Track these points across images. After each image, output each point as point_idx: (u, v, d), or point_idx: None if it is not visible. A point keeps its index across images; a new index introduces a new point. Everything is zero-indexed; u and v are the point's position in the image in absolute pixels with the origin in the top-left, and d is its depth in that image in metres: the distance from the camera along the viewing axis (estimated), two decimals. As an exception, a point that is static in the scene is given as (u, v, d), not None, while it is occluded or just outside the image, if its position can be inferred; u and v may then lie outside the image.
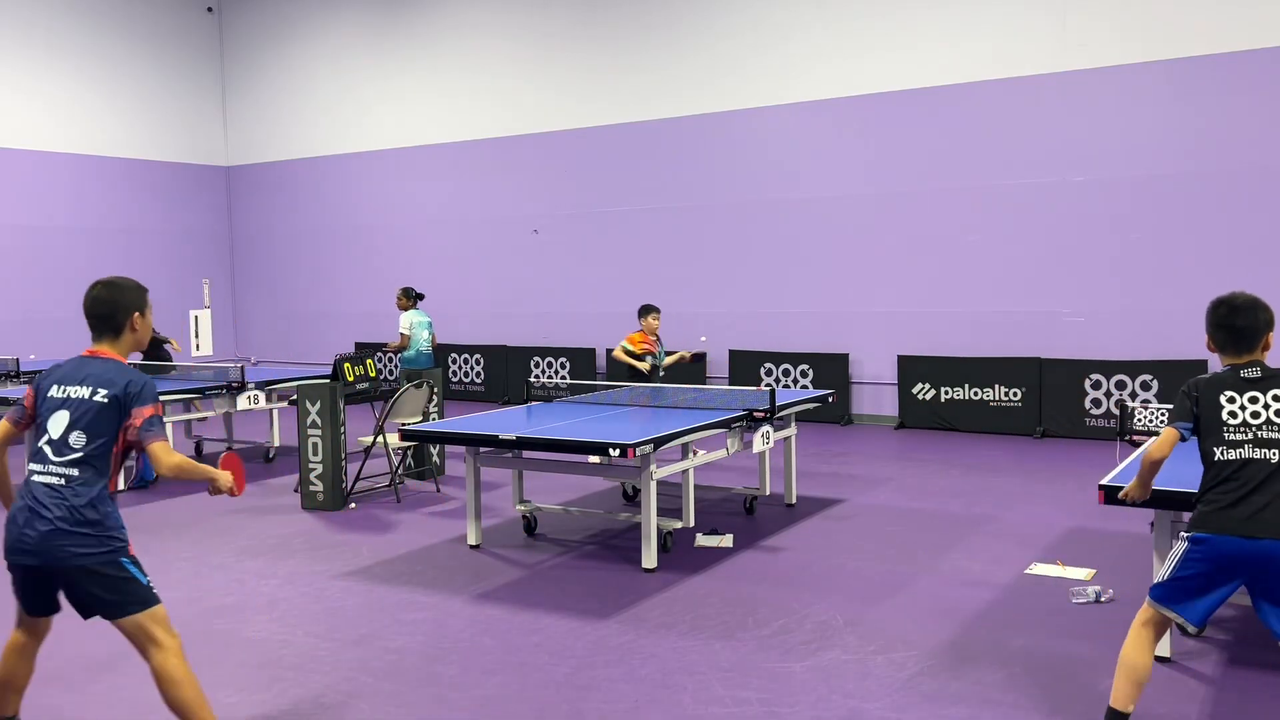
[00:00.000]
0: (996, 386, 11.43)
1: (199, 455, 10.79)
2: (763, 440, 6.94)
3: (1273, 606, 3.53)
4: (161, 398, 9.18)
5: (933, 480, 8.94)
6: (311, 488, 8.18)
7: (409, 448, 8.97)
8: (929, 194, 11.81)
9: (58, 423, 3.55)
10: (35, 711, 4.36)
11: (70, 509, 3.46)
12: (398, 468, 8.73)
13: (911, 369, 11.90)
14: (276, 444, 10.54)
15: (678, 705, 4.28)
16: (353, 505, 8.24)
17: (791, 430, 7.98)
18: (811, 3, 12.38)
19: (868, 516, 7.62)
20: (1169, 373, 10.40)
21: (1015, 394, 11.30)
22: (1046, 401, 11.13)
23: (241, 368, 10.11)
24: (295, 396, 8.52)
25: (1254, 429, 3.61)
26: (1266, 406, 3.65)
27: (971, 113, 11.53)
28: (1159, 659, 4.64)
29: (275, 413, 10.61)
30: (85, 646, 5.12)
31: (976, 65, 11.47)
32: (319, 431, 8.16)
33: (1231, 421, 3.64)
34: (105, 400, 3.50)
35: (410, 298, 11.11)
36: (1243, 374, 3.71)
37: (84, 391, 3.52)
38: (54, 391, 3.58)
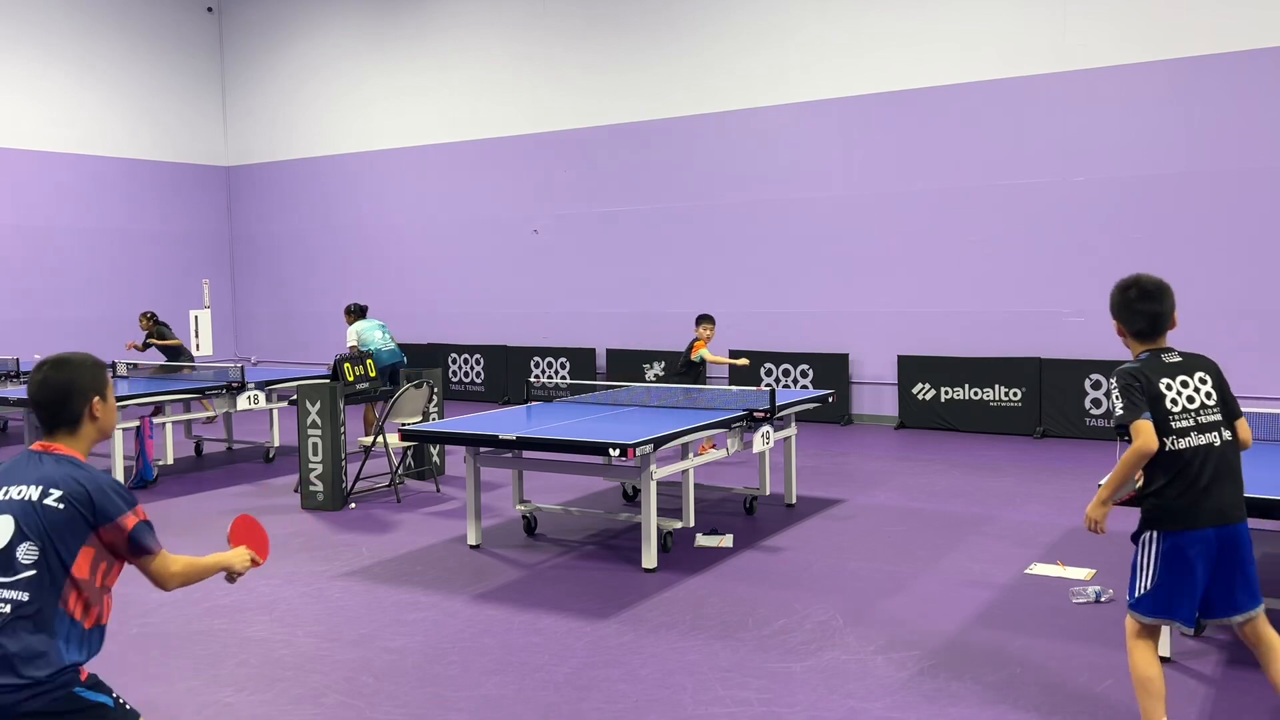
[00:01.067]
0: (996, 386, 11.43)
1: (199, 455, 10.79)
2: (763, 440, 6.94)
3: (1220, 588, 3.54)
4: (161, 398, 9.25)
5: (933, 480, 8.94)
6: (311, 488, 8.18)
7: (409, 448, 8.97)
8: (929, 194, 11.81)
9: (2, 531, 2.67)
10: (35, 711, 4.36)
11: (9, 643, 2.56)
12: (398, 468, 8.73)
13: (911, 369, 11.90)
14: (276, 444, 10.54)
15: (678, 705, 4.28)
16: (353, 505, 8.24)
17: (791, 430, 7.98)
18: (812, 3, 12.38)
19: (868, 516, 7.62)
20: (1169, 373, 10.39)
21: (1015, 394, 11.30)
22: (1046, 401, 11.13)
23: (241, 368, 10.12)
24: (295, 396, 8.52)
25: (1193, 414, 3.53)
26: (1197, 390, 3.57)
27: (971, 113, 11.53)
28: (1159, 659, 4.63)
29: (275, 413, 10.61)
30: (85, 646, 5.12)
31: (976, 65, 11.47)
32: (319, 431, 8.17)
33: (1174, 409, 3.53)
34: (61, 506, 2.69)
35: (353, 313, 10.98)
36: (1165, 359, 3.61)
37: (33, 492, 2.70)
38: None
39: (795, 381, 12.62)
